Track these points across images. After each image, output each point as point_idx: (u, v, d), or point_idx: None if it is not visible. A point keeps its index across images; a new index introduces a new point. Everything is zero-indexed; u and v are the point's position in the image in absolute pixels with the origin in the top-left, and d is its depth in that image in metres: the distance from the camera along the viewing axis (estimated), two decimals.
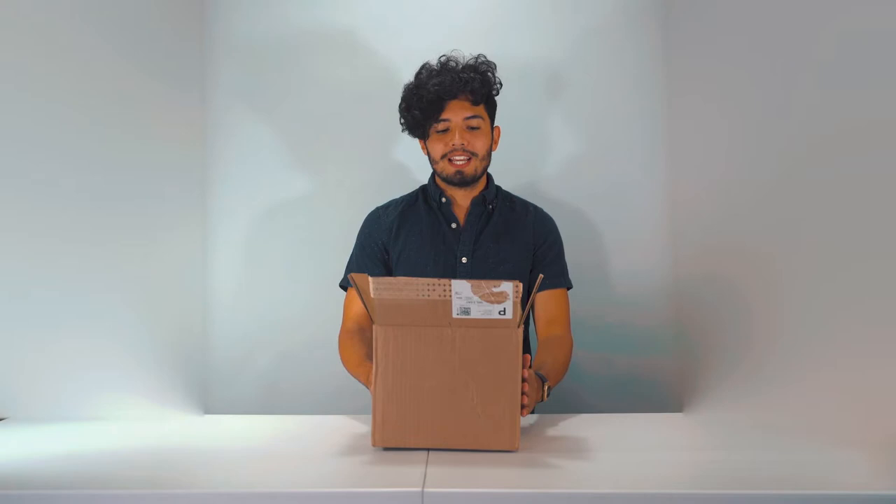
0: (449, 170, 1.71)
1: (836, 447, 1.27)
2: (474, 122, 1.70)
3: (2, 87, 1.58)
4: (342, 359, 1.69)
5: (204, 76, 2.09)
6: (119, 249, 1.72)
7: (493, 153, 1.79)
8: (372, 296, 1.28)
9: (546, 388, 1.52)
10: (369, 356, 1.61)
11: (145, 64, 1.81)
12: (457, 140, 1.69)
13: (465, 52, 1.74)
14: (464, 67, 1.71)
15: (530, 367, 1.43)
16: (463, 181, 1.72)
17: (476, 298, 1.27)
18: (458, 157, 1.70)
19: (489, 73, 1.73)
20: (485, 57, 1.74)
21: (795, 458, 1.27)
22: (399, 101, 1.76)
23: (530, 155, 2.11)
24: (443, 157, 1.71)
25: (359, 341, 1.67)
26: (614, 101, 2.13)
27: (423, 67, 1.74)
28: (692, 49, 1.96)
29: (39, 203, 1.62)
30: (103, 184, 1.70)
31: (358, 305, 1.76)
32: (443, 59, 1.73)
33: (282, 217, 2.14)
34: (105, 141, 1.71)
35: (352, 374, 1.65)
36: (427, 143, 1.75)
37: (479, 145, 1.71)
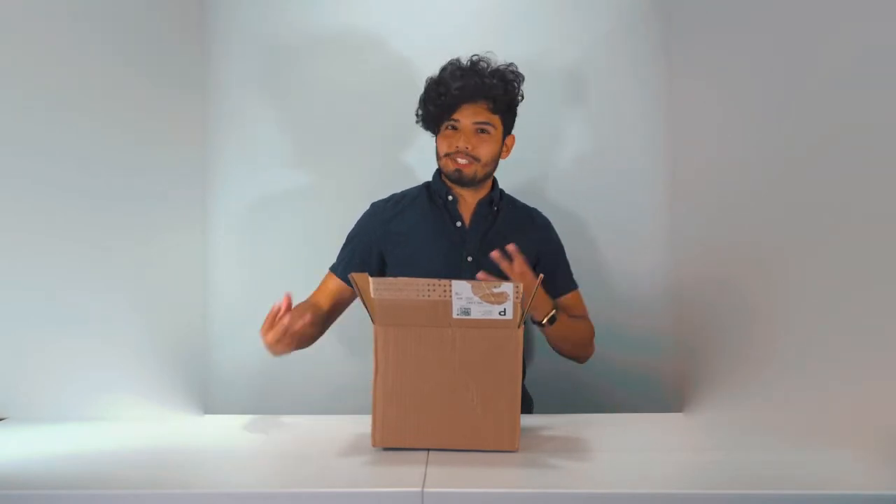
0: (449, 167, 1.71)
1: (836, 447, 1.27)
2: (484, 128, 1.69)
3: (1, 88, 1.58)
4: None
5: (204, 76, 2.09)
6: (119, 250, 1.72)
7: (502, 160, 1.78)
8: (372, 296, 1.28)
9: (553, 312, 1.61)
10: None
11: (145, 64, 1.81)
12: (461, 143, 1.68)
13: (476, 51, 1.72)
14: (491, 72, 1.69)
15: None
16: (460, 181, 1.72)
17: (476, 299, 1.27)
18: (460, 158, 1.69)
19: (515, 84, 1.72)
20: (516, 67, 1.73)
21: (795, 458, 1.27)
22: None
23: (530, 155, 2.10)
24: (447, 154, 1.71)
25: (308, 307, 1.67)
26: (615, 101, 2.13)
27: (449, 63, 1.72)
28: (694, 49, 1.96)
29: (39, 203, 1.61)
30: (103, 184, 1.69)
31: (323, 293, 1.76)
32: (474, 58, 1.71)
33: (282, 217, 2.14)
34: (105, 141, 1.71)
35: None
36: (437, 138, 1.75)
37: (485, 151, 1.70)
